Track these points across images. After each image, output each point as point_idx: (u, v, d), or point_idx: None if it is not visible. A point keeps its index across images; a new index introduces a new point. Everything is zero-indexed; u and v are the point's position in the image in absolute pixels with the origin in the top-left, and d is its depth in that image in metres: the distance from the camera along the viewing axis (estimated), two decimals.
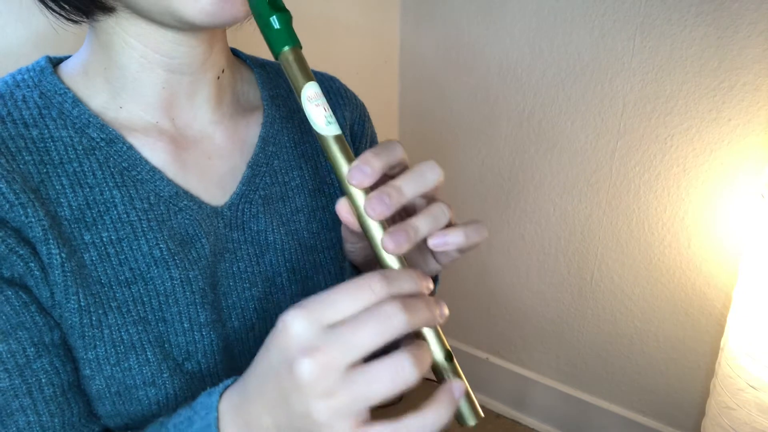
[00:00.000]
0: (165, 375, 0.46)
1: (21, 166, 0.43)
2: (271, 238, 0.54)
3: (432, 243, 0.40)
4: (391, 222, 0.39)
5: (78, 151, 0.46)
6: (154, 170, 0.48)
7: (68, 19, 0.48)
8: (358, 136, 0.64)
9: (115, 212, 0.46)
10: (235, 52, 0.60)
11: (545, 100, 1.33)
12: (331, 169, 0.41)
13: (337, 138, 0.40)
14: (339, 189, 0.54)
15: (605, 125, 1.26)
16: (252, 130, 0.56)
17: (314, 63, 0.57)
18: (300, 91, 0.40)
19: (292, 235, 0.56)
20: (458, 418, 0.37)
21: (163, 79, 0.49)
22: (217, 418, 0.37)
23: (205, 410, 0.37)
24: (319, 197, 0.59)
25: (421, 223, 0.39)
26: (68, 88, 0.47)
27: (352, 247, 0.47)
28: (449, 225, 0.41)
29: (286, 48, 0.41)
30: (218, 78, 0.53)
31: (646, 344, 1.35)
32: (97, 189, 0.46)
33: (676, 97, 1.15)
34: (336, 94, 0.63)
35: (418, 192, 0.39)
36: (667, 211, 1.23)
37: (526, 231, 1.46)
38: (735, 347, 0.99)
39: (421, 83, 1.54)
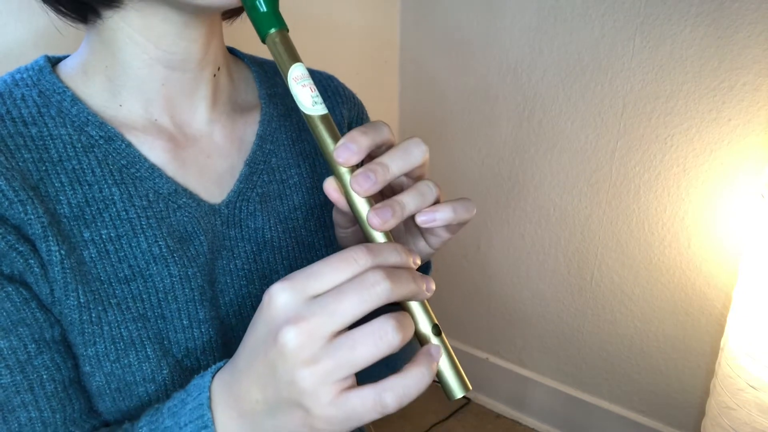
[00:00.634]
0: (164, 372, 0.47)
1: (20, 163, 0.44)
2: (269, 236, 0.54)
3: (420, 219, 0.40)
4: (378, 201, 0.39)
5: (77, 149, 0.46)
6: (152, 168, 0.48)
7: (73, 19, 0.48)
8: None
9: (114, 209, 0.46)
10: (232, 51, 0.60)
11: (545, 100, 1.33)
12: (320, 150, 0.41)
13: (324, 118, 0.40)
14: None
15: (605, 125, 1.26)
16: (250, 128, 0.56)
17: (314, 63, 0.57)
18: (286, 73, 0.40)
19: (289, 233, 0.56)
20: (446, 392, 0.38)
21: (162, 75, 0.49)
22: (210, 398, 0.37)
23: (197, 391, 0.38)
24: (317, 195, 0.59)
25: (407, 199, 0.39)
26: (67, 87, 0.47)
27: (344, 233, 0.47)
28: (437, 202, 0.41)
29: (273, 30, 0.41)
30: (214, 76, 0.53)
31: (646, 344, 1.35)
32: (96, 186, 0.46)
33: (676, 97, 1.15)
34: (334, 92, 0.63)
35: (404, 168, 0.39)
36: (667, 211, 1.23)
37: (526, 231, 1.46)
38: (735, 347, 0.99)
39: (421, 83, 1.54)
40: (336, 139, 0.39)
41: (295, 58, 0.41)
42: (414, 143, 0.40)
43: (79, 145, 0.46)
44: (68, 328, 0.44)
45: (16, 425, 0.42)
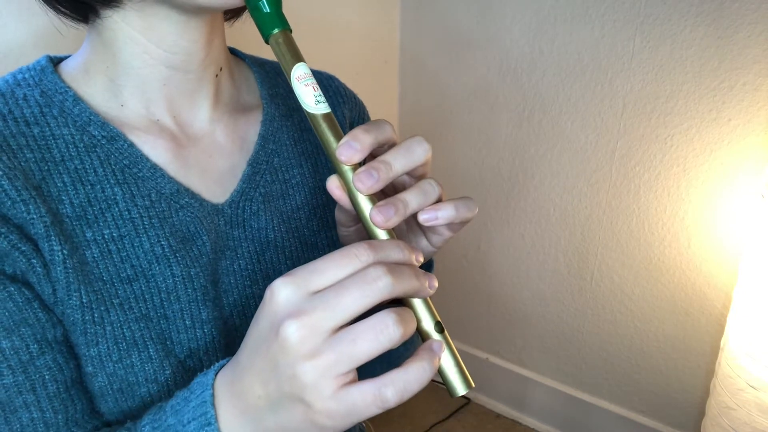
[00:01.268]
0: (167, 372, 0.47)
1: (23, 163, 0.44)
2: (272, 236, 0.54)
3: (422, 218, 0.40)
4: (381, 199, 0.39)
5: (79, 149, 0.46)
6: (155, 167, 0.48)
7: (74, 19, 0.48)
8: None
9: (117, 209, 0.46)
10: (234, 52, 0.60)
11: (545, 100, 1.33)
12: (324, 149, 0.41)
13: (327, 116, 0.40)
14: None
15: (605, 125, 1.26)
16: (252, 128, 0.56)
17: (314, 63, 0.57)
18: (290, 72, 0.40)
19: (292, 233, 0.56)
20: (449, 389, 0.38)
21: (164, 75, 0.49)
22: (213, 395, 0.37)
23: (200, 388, 0.38)
24: (320, 195, 0.59)
25: (410, 197, 0.39)
26: (69, 87, 0.47)
27: (346, 231, 0.47)
28: (439, 200, 0.41)
29: (276, 31, 0.41)
30: (216, 76, 0.53)
31: (646, 344, 1.35)
32: (98, 186, 0.46)
33: (676, 97, 1.15)
34: (335, 92, 0.63)
35: (407, 166, 0.40)
36: (667, 211, 1.23)
37: (526, 231, 1.46)
38: (735, 347, 0.99)
39: (421, 83, 1.54)
40: (339, 138, 0.39)
41: (298, 58, 0.41)
42: (417, 142, 0.40)
43: (82, 144, 0.46)
44: (71, 329, 0.44)
45: (18, 425, 0.42)
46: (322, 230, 0.59)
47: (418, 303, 0.38)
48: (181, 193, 0.49)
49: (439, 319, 0.38)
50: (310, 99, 0.40)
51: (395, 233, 0.40)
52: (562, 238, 1.41)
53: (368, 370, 0.34)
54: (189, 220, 0.49)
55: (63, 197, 0.45)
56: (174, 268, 0.47)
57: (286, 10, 0.43)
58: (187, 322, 0.48)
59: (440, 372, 0.37)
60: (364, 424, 0.75)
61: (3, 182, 0.41)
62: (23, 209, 0.42)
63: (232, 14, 0.56)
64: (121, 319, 0.45)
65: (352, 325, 0.33)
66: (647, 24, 1.15)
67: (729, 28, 1.06)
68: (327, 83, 0.64)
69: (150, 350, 0.46)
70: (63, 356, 0.44)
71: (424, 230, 0.46)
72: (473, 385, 0.38)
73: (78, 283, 0.43)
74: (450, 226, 0.44)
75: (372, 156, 0.40)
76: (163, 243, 0.47)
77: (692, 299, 1.25)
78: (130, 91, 0.49)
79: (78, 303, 0.43)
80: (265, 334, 0.34)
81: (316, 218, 0.58)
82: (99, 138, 0.47)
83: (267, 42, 0.42)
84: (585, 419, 1.50)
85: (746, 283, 0.98)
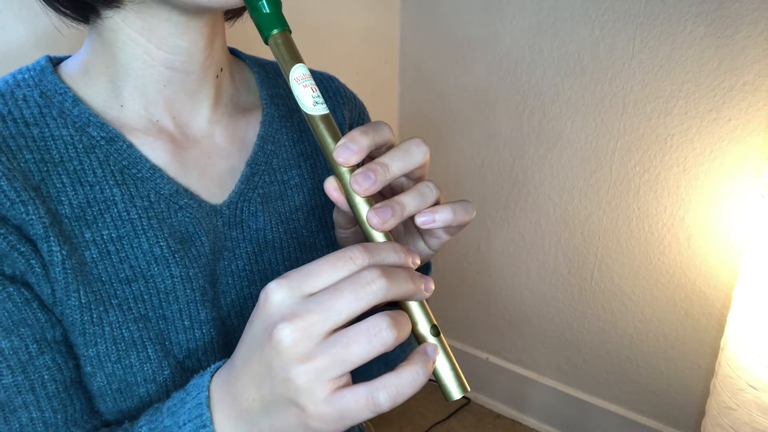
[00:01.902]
0: (166, 372, 0.47)
1: (22, 164, 0.44)
2: (270, 237, 0.54)
3: (420, 221, 0.40)
4: (378, 201, 0.39)
5: (78, 150, 0.46)
6: (154, 168, 0.48)
7: (74, 19, 0.48)
8: None
9: (116, 210, 0.46)
10: (234, 52, 0.60)
11: (545, 100, 1.33)
12: (321, 150, 0.41)
13: (325, 118, 0.40)
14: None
15: (605, 125, 1.26)
16: (251, 129, 0.56)
17: (314, 63, 0.57)
18: (288, 73, 0.41)
19: (290, 234, 0.56)
20: (444, 393, 0.37)
21: (164, 76, 0.49)
22: (209, 397, 0.37)
23: (196, 390, 0.38)
24: (318, 196, 0.59)
25: (407, 200, 0.39)
26: (68, 88, 0.47)
27: (344, 233, 0.47)
28: (437, 203, 0.41)
29: (275, 31, 0.41)
30: (217, 77, 0.53)
31: (646, 344, 1.35)
32: (97, 187, 0.46)
33: (676, 97, 1.15)
34: (335, 93, 0.63)
35: (404, 169, 0.39)
36: (667, 211, 1.23)
37: (526, 231, 1.46)
38: (735, 347, 0.99)
39: (421, 83, 1.54)
40: (337, 139, 0.39)
41: (297, 59, 0.41)
42: (415, 144, 0.40)
43: (81, 145, 0.46)
44: (69, 329, 0.44)
45: (17, 425, 0.42)
46: (320, 231, 0.59)
47: (414, 306, 0.38)
48: (180, 193, 0.49)
49: (435, 323, 0.38)
50: (309, 100, 0.40)
51: (392, 236, 0.40)
52: (562, 238, 1.41)
53: (364, 371, 0.34)
54: (188, 221, 0.49)
55: (62, 198, 0.45)
56: (173, 268, 0.47)
57: (286, 10, 0.43)
58: (186, 323, 0.48)
59: (436, 376, 0.37)
60: (363, 424, 0.75)
61: (2, 183, 0.41)
62: (22, 210, 0.42)
63: (232, 14, 0.56)
64: (119, 319, 0.45)
65: (345, 329, 0.33)
66: (647, 24, 1.15)
67: (729, 28, 1.06)
68: (327, 84, 0.64)
69: (149, 350, 0.46)
70: (62, 356, 0.44)
71: (421, 233, 0.46)
72: (469, 390, 0.38)
73: (77, 284, 0.43)
74: (447, 229, 0.44)
75: (370, 158, 0.40)
76: (161, 244, 0.47)
77: (692, 299, 1.25)
78: (130, 92, 0.49)
79: (77, 303, 0.43)
80: (259, 337, 0.34)
81: (314, 219, 0.58)
82: (98, 139, 0.47)
83: (266, 43, 0.42)
84: (585, 419, 1.50)
85: (746, 283, 0.98)
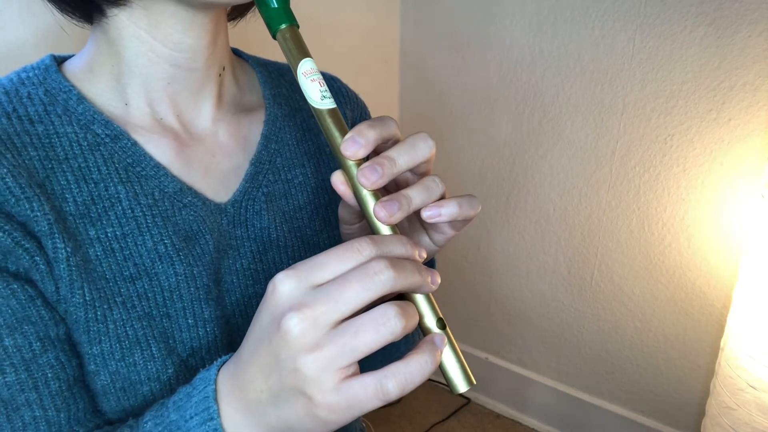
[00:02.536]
0: (170, 371, 0.47)
1: (26, 161, 0.44)
2: (274, 236, 0.54)
3: (426, 214, 0.40)
4: (384, 195, 0.39)
5: (83, 147, 0.46)
6: (158, 166, 0.48)
7: (79, 18, 0.48)
8: None
9: (120, 208, 0.46)
10: (237, 52, 0.60)
11: (545, 100, 1.33)
12: (328, 144, 0.41)
13: (332, 112, 0.40)
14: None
15: (605, 125, 1.26)
16: (255, 127, 0.56)
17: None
18: (296, 67, 0.41)
19: (294, 233, 0.56)
20: (450, 385, 0.38)
21: (169, 74, 0.49)
22: (215, 390, 0.37)
23: (203, 384, 0.38)
24: (322, 195, 0.59)
25: (414, 194, 0.40)
26: (73, 86, 0.47)
27: (349, 229, 0.47)
28: (442, 198, 0.41)
29: (283, 26, 0.42)
30: (219, 75, 0.53)
31: (646, 344, 1.35)
32: (101, 185, 0.46)
33: (676, 97, 1.15)
34: (337, 93, 0.64)
35: (410, 163, 0.40)
36: (667, 211, 1.23)
37: (526, 231, 1.46)
38: (735, 347, 0.99)
39: (421, 83, 1.54)
40: (344, 133, 0.39)
41: (305, 53, 0.41)
42: (421, 138, 0.40)
43: (85, 143, 0.46)
44: (73, 327, 0.44)
45: (20, 423, 0.42)
46: (324, 230, 0.59)
47: (420, 299, 0.38)
48: (184, 192, 0.49)
49: (441, 316, 0.38)
50: (316, 94, 0.40)
51: (398, 230, 0.40)
52: (562, 238, 1.41)
53: (368, 367, 0.34)
54: (192, 219, 0.49)
55: (66, 195, 0.45)
56: (177, 266, 0.47)
57: None
58: (190, 321, 0.48)
59: (441, 369, 0.37)
60: (363, 425, 0.75)
61: (7, 180, 0.41)
62: (27, 207, 0.42)
63: (235, 14, 0.56)
64: (123, 317, 0.45)
65: (353, 318, 0.33)
66: (647, 24, 1.15)
67: (729, 28, 1.06)
68: (329, 84, 0.64)
69: (152, 349, 0.46)
70: (65, 354, 0.44)
71: (426, 228, 0.46)
72: (475, 382, 0.38)
73: (81, 281, 0.43)
74: (453, 224, 0.44)
75: (376, 152, 0.40)
76: (166, 242, 0.47)
77: (692, 299, 1.25)
78: (135, 90, 0.49)
79: (81, 301, 0.43)
80: (267, 327, 0.34)
81: (318, 218, 0.58)
82: (102, 136, 0.47)
83: (274, 37, 0.42)
84: (585, 419, 1.50)
85: (746, 283, 0.98)
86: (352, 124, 0.64)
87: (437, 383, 1.66)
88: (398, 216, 0.38)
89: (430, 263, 0.57)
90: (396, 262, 0.34)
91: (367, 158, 0.39)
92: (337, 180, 0.40)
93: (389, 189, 0.44)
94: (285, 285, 0.33)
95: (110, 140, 0.47)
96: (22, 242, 0.41)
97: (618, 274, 1.34)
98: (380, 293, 0.33)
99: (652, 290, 1.30)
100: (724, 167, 1.14)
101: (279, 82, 0.60)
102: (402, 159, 0.39)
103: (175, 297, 0.47)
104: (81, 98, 0.47)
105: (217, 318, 0.50)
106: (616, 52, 1.20)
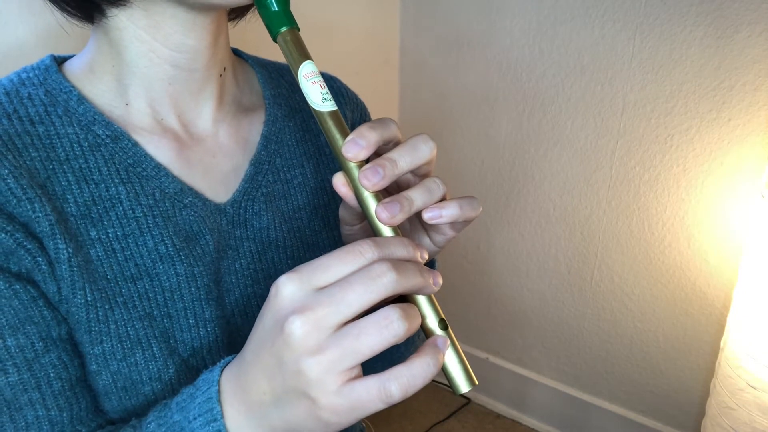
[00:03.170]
0: (171, 371, 0.47)
1: (28, 162, 0.44)
2: (274, 236, 0.54)
3: (427, 216, 0.41)
4: (386, 197, 0.39)
5: (84, 148, 0.46)
6: (159, 167, 0.48)
7: (79, 18, 0.48)
8: None
9: (121, 208, 0.46)
10: (237, 52, 0.60)
11: (545, 100, 1.33)
12: (330, 146, 0.41)
13: (333, 114, 0.40)
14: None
15: (605, 125, 1.26)
16: (254, 128, 0.56)
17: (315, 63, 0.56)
18: (297, 70, 0.41)
19: (294, 233, 0.56)
20: (452, 386, 0.38)
21: (170, 75, 0.49)
22: (219, 391, 0.37)
23: (206, 385, 0.38)
24: (321, 195, 0.59)
25: (415, 195, 0.40)
26: (73, 86, 0.47)
27: (350, 230, 0.47)
28: (443, 199, 0.42)
29: (284, 29, 0.42)
30: (220, 75, 0.53)
31: (646, 344, 1.35)
32: (102, 185, 0.46)
33: (676, 97, 1.15)
34: (337, 93, 0.64)
35: (412, 164, 0.40)
36: (667, 211, 1.23)
37: (526, 231, 1.46)
38: (735, 347, 0.99)
39: (421, 83, 1.54)
40: (345, 135, 0.40)
41: (305, 56, 0.41)
42: (422, 139, 0.41)
43: (86, 143, 0.46)
44: (75, 327, 0.44)
45: (23, 423, 0.42)
46: (323, 230, 0.59)
47: (422, 300, 0.38)
48: (185, 192, 0.49)
49: (443, 317, 0.38)
50: (317, 96, 0.40)
51: (399, 232, 0.40)
52: (562, 238, 1.41)
53: (371, 370, 0.34)
54: (192, 220, 0.49)
55: (67, 196, 0.45)
56: (177, 266, 0.47)
57: None
58: (191, 321, 0.48)
59: (444, 369, 0.37)
60: (363, 425, 0.75)
61: (9, 180, 0.41)
62: (28, 207, 0.42)
63: (235, 14, 0.56)
64: (125, 317, 0.45)
65: (356, 321, 0.33)
66: (647, 24, 1.15)
67: (729, 28, 1.06)
68: (329, 84, 0.64)
69: (154, 349, 0.46)
70: (68, 354, 0.44)
71: (427, 229, 0.46)
72: (477, 383, 0.38)
73: (83, 281, 0.43)
74: (453, 225, 0.44)
75: (377, 154, 0.40)
76: (166, 242, 0.47)
77: (692, 299, 1.25)
78: (135, 91, 0.49)
79: (83, 301, 0.44)
80: (269, 330, 0.34)
81: (317, 218, 0.58)
82: (103, 137, 0.47)
83: (275, 40, 0.42)
84: (585, 419, 1.50)
85: (746, 283, 0.99)
86: (352, 125, 0.64)
87: (437, 383, 1.66)
88: (400, 217, 0.38)
89: (430, 264, 0.57)
90: (398, 264, 0.34)
91: (368, 160, 0.40)
92: (339, 182, 0.40)
93: (390, 190, 0.44)
94: (287, 287, 0.33)
95: (111, 141, 0.47)
96: (24, 243, 0.41)
97: (618, 274, 1.34)
98: (383, 296, 0.33)
99: (652, 290, 1.30)
100: (724, 167, 1.14)
101: (279, 82, 0.60)
102: (403, 160, 0.39)
103: (176, 297, 0.47)
104: (81, 99, 0.47)
105: (218, 318, 0.50)
106: (616, 52, 1.20)
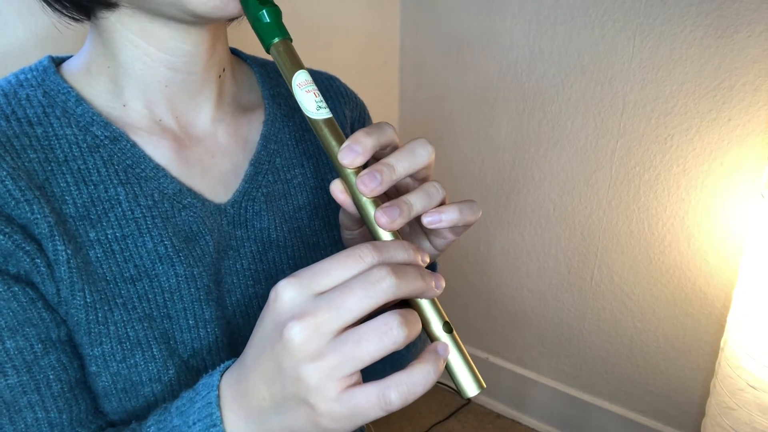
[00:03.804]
0: (171, 372, 0.47)
1: (26, 163, 0.44)
2: (274, 236, 0.54)
3: (426, 220, 0.40)
4: (385, 202, 0.39)
5: (82, 149, 0.46)
6: (157, 167, 0.48)
7: (71, 18, 0.48)
8: None
9: (120, 209, 0.46)
10: (235, 52, 0.60)
11: (545, 100, 1.33)
12: (326, 154, 0.41)
13: (328, 121, 0.40)
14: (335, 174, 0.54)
15: (605, 125, 1.26)
16: (254, 128, 0.56)
17: (314, 63, 0.57)
18: (291, 80, 0.41)
19: (294, 233, 0.56)
20: (459, 390, 0.37)
21: (166, 77, 0.49)
22: (218, 396, 0.37)
23: (206, 390, 0.38)
24: (321, 195, 0.59)
25: (414, 199, 0.39)
26: (71, 87, 0.47)
27: (350, 234, 0.47)
28: (443, 203, 0.41)
29: (276, 40, 0.42)
30: (219, 77, 0.53)
31: (646, 344, 1.35)
32: (101, 186, 0.46)
33: (676, 97, 1.15)
34: (336, 92, 0.63)
35: (410, 169, 0.40)
36: (667, 211, 1.23)
37: (526, 231, 1.46)
38: (735, 347, 0.99)
39: (421, 83, 1.54)
40: (341, 142, 0.39)
41: (298, 66, 0.41)
42: (420, 144, 0.40)
43: (85, 145, 0.46)
44: (74, 328, 0.44)
45: (22, 425, 0.42)
46: (324, 230, 0.59)
47: (425, 303, 0.37)
48: (184, 193, 0.49)
49: (447, 320, 0.38)
50: (312, 105, 0.40)
51: (399, 236, 0.40)
52: (562, 238, 1.41)
53: (372, 372, 0.34)
54: (192, 220, 0.49)
55: (66, 197, 0.45)
56: (177, 267, 0.47)
57: (287, 10, 0.44)
58: (191, 322, 0.48)
59: (450, 373, 0.37)
60: (364, 424, 0.75)
61: (7, 182, 0.41)
62: (27, 209, 0.42)
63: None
64: (124, 318, 0.45)
65: (356, 327, 0.33)
66: (647, 24, 1.15)
67: (729, 28, 1.06)
68: (328, 83, 0.64)
69: (153, 350, 0.46)
70: (67, 356, 0.44)
71: (427, 233, 0.46)
72: (484, 386, 0.37)
73: (82, 283, 0.43)
74: (453, 229, 0.44)
75: (375, 159, 0.40)
76: (166, 243, 0.47)
77: (692, 299, 1.25)
78: (132, 92, 0.49)
79: (82, 303, 0.43)
80: (269, 336, 0.34)
81: (318, 218, 0.58)
82: (102, 138, 0.47)
83: (267, 51, 0.42)
84: (585, 419, 1.50)
85: (746, 283, 0.98)
86: (352, 124, 0.64)
87: (440, 384, 1.66)
88: (399, 222, 0.38)
89: (431, 267, 0.57)
90: (398, 268, 0.34)
91: (366, 165, 0.39)
92: (336, 189, 0.39)
93: (390, 195, 0.44)
94: (287, 293, 0.33)
95: (109, 142, 0.47)
96: (23, 245, 0.41)
97: (618, 274, 1.34)
98: (383, 301, 0.33)
99: (652, 290, 1.30)
100: (724, 167, 1.14)
101: (278, 81, 0.60)
102: (401, 165, 0.39)
103: (175, 298, 0.47)
104: (80, 100, 0.47)
105: (218, 318, 0.50)
106: (616, 52, 1.20)
